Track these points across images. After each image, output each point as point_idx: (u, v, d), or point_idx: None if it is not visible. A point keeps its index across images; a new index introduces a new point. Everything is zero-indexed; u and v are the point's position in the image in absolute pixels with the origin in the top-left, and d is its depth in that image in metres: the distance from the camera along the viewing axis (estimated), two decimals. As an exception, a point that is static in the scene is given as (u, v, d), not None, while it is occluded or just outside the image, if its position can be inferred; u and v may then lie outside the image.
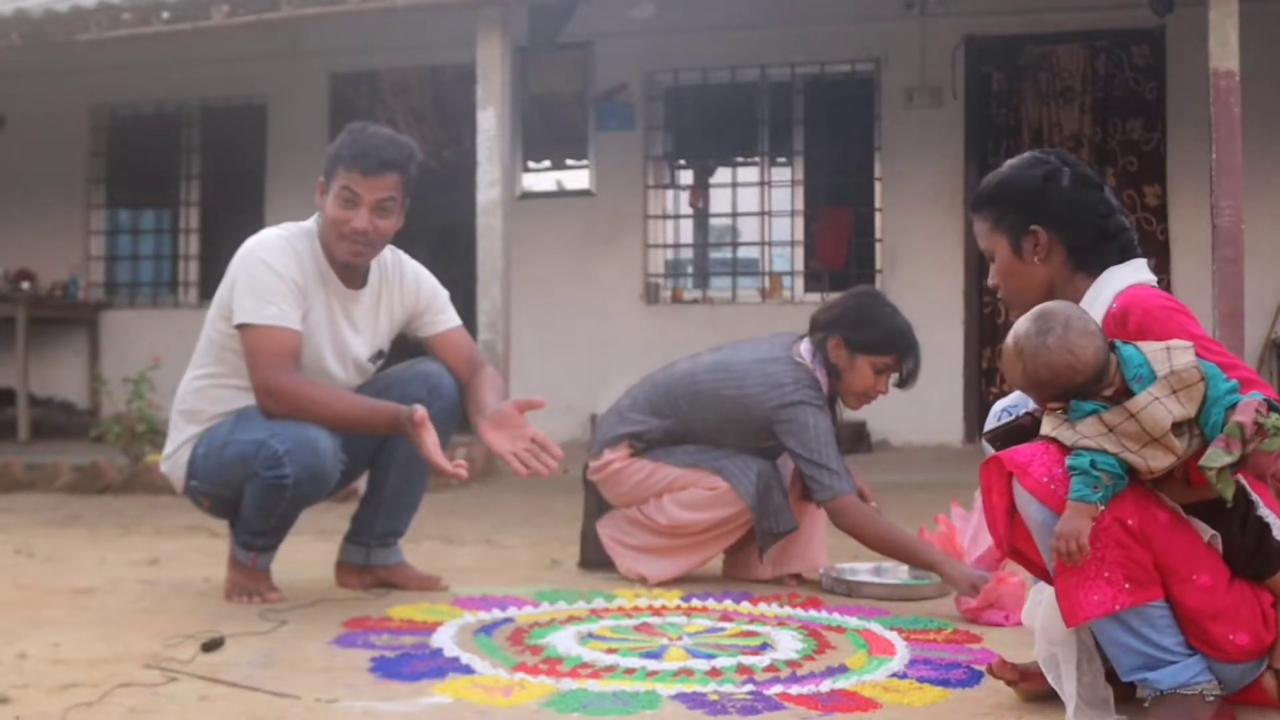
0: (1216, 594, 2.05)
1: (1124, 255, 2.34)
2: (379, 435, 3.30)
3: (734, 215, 9.13)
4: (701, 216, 9.16)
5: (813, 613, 3.19)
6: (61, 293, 9.48)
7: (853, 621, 3.08)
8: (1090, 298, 2.29)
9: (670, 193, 9.03)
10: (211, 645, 2.71)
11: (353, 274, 3.29)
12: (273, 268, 3.14)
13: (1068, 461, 2.03)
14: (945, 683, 2.46)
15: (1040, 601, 2.22)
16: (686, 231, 9.13)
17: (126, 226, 10.30)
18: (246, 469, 3.11)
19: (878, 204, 8.54)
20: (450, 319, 3.46)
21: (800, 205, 8.75)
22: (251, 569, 3.26)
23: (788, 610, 3.22)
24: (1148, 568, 2.03)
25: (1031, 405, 2.24)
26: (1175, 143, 7.87)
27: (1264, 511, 2.10)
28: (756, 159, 8.94)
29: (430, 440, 3.04)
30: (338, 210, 3.18)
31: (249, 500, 3.17)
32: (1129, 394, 2.03)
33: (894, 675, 2.55)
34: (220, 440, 3.19)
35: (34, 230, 9.62)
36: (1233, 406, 1.99)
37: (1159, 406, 2.00)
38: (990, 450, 2.22)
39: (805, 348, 3.65)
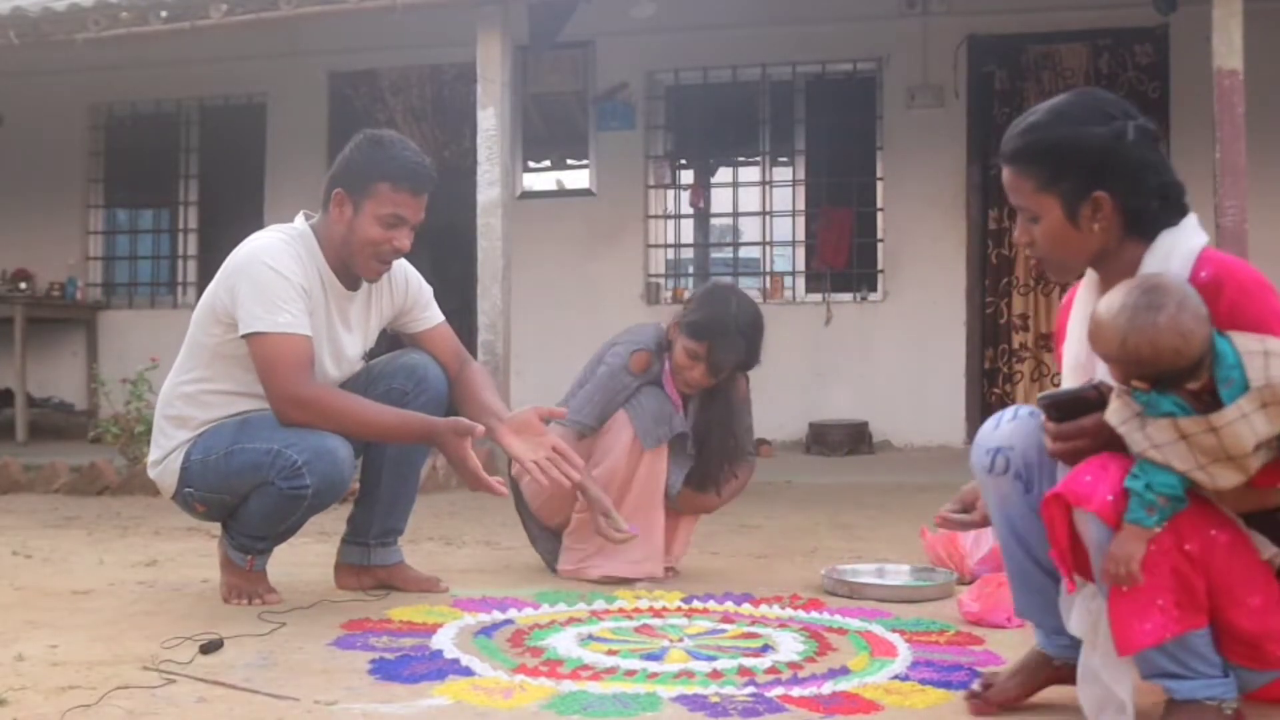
0: (1269, 613, 2.00)
1: (1177, 216, 2.12)
2: (407, 445, 3.29)
3: (735, 215, 9.13)
4: (702, 216, 9.15)
5: (814, 614, 3.17)
6: (59, 293, 9.48)
7: (854, 623, 3.06)
8: (1152, 266, 2.08)
9: (671, 192, 9.02)
10: (210, 647, 2.69)
11: (351, 276, 3.26)
12: (281, 273, 3.07)
13: (1126, 482, 1.93)
14: (947, 685, 2.44)
15: (1097, 612, 2.07)
16: (687, 231, 9.12)
17: (125, 226, 10.29)
18: (259, 477, 3.06)
19: (879, 204, 8.54)
20: (435, 315, 3.45)
21: (802, 205, 8.74)
22: (249, 571, 3.22)
23: (789, 612, 3.21)
24: (1200, 595, 1.97)
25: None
26: (1179, 142, 7.84)
27: None
28: (758, 158, 8.93)
29: (473, 457, 3.04)
30: (378, 230, 3.12)
31: (258, 507, 3.12)
32: (1214, 394, 1.91)
33: (896, 677, 2.53)
34: (222, 447, 3.12)
35: (32, 230, 9.62)
36: None
37: (1245, 425, 1.87)
38: (1042, 416, 2.09)
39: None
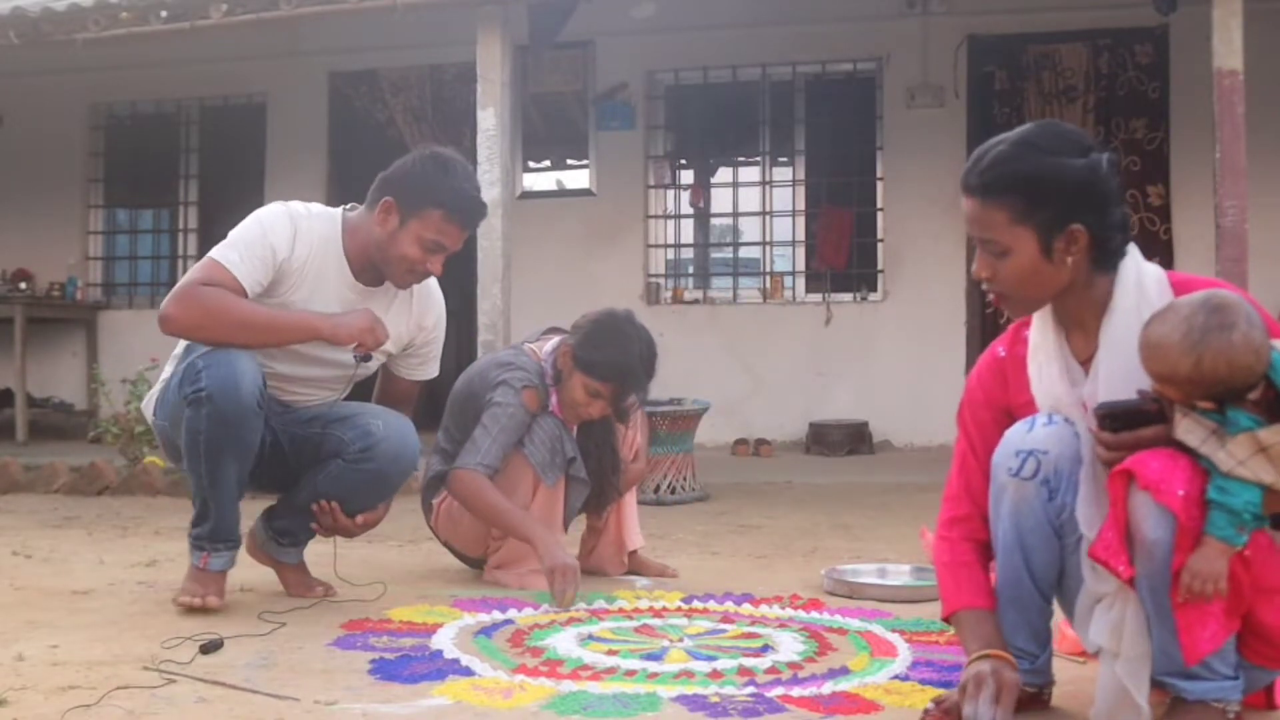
0: None
1: (1129, 242, 2.15)
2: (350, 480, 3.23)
3: (735, 215, 9.13)
4: (702, 216, 9.15)
5: (814, 614, 3.17)
6: (59, 293, 9.47)
7: (854, 623, 3.06)
8: (1124, 296, 2.10)
9: (671, 192, 9.02)
10: (210, 647, 2.69)
11: (370, 272, 3.22)
12: (263, 227, 3.10)
13: (1215, 497, 1.91)
14: (947, 685, 2.44)
15: (1118, 620, 2.05)
16: (687, 231, 9.12)
17: (125, 226, 10.29)
18: (179, 392, 3.02)
19: (879, 204, 8.54)
20: (433, 370, 3.45)
21: (801, 205, 8.74)
22: (203, 570, 3.10)
23: (789, 612, 3.21)
24: (1244, 598, 1.96)
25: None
26: (1179, 142, 7.86)
27: None
28: (758, 158, 8.93)
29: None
30: (417, 251, 3.13)
31: (182, 443, 3.03)
32: (1274, 406, 1.91)
33: (896, 677, 2.53)
34: (173, 374, 3.16)
35: (32, 230, 9.62)
36: None
37: None
38: (1095, 427, 2.06)
39: (551, 345, 3.65)
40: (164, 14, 6.57)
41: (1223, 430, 1.92)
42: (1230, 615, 1.96)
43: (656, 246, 8.91)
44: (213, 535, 3.10)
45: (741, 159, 9.13)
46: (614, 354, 3.48)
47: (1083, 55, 8.09)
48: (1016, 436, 2.19)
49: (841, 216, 8.65)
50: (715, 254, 9.30)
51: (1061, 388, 2.18)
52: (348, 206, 3.27)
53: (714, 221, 9.24)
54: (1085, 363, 2.18)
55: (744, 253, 9.28)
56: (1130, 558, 1.98)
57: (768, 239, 8.80)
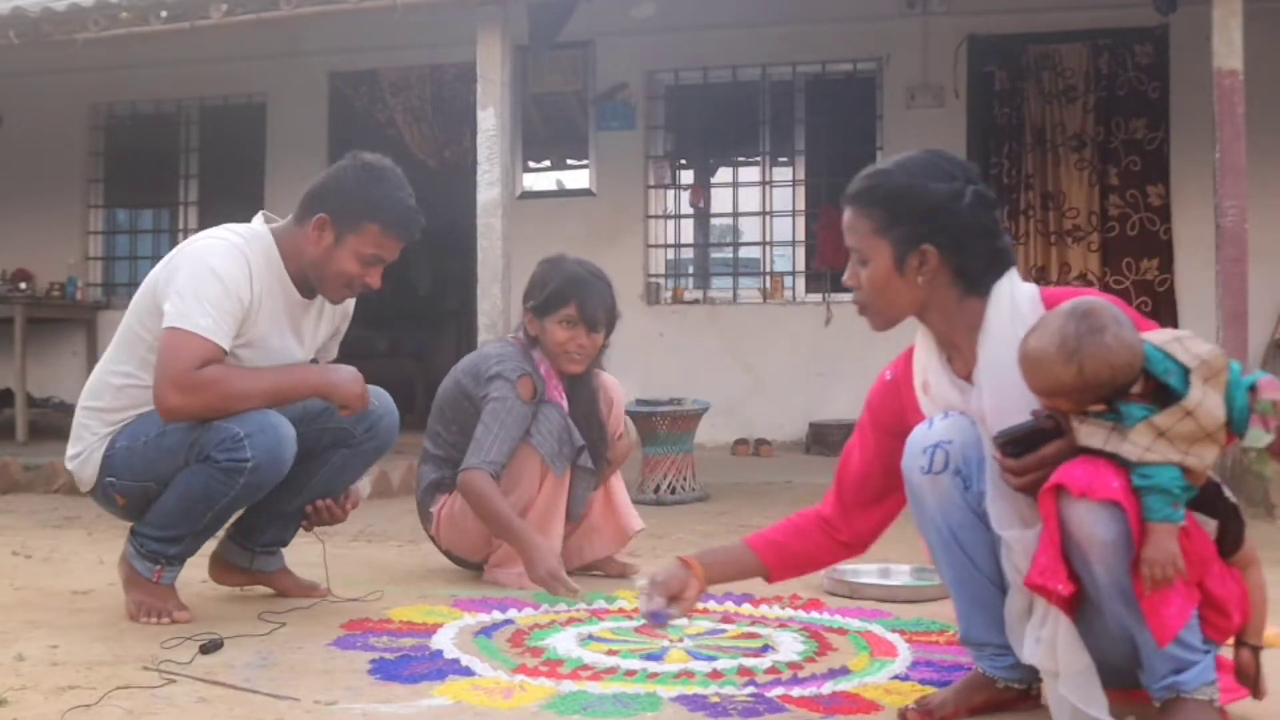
0: (1226, 580, 2.06)
1: (1004, 269, 2.22)
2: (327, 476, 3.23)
3: (735, 215, 9.12)
4: (702, 216, 9.14)
5: (814, 614, 3.17)
6: (59, 293, 9.47)
7: (854, 623, 3.06)
8: (998, 316, 2.17)
9: (671, 192, 9.02)
10: (210, 647, 2.69)
11: (308, 286, 3.15)
12: (221, 278, 2.94)
13: (1141, 483, 1.94)
14: (947, 685, 2.44)
15: (1050, 639, 2.08)
16: (687, 231, 9.12)
17: (125, 226, 10.28)
18: (192, 453, 2.93)
19: (879, 204, 8.52)
20: (336, 350, 3.40)
21: (802, 205, 8.73)
22: (156, 584, 3.04)
23: (789, 612, 3.21)
24: (1194, 567, 1.99)
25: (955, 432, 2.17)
26: (1179, 142, 7.85)
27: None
28: (758, 158, 8.92)
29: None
30: (354, 266, 3.07)
31: (184, 492, 2.96)
32: (1160, 391, 1.97)
33: (896, 677, 2.54)
34: (153, 431, 2.99)
35: (31, 230, 9.61)
36: (1251, 386, 1.96)
37: (1210, 400, 1.94)
38: (998, 455, 2.11)
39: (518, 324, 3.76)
40: (164, 14, 6.57)
41: (1120, 426, 1.97)
42: (1188, 586, 1.98)
43: (656, 246, 8.91)
44: (180, 556, 3.08)
45: (741, 159, 9.12)
46: (558, 279, 3.63)
47: (1083, 55, 8.09)
48: (919, 436, 2.25)
49: (842, 216, 8.63)
50: (715, 254, 9.29)
51: (952, 396, 2.24)
52: (266, 218, 3.17)
53: (714, 221, 9.24)
54: (966, 380, 2.24)
55: (744, 253, 9.28)
56: (1069, 572, 2.01)
57: (768, 239, 8.79)
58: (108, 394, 3.10)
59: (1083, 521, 1.97)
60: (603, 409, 3.79)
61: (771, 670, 2.58)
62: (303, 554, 3.84)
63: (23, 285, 9.24)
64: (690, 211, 9.05)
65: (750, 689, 2.43)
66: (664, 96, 8.94)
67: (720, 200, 9.10)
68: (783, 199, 8.81)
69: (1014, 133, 8.21)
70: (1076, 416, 2.02)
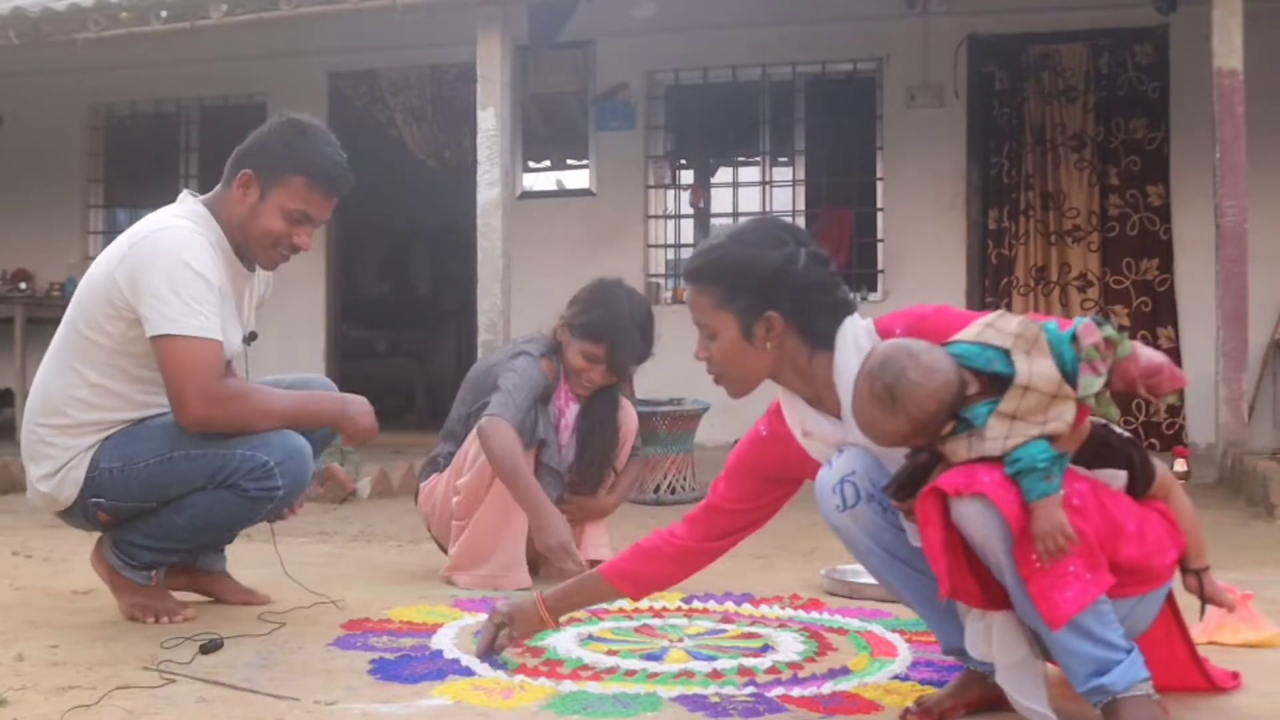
0: (1145, 531, 2.08)
1: (845, 317, 2.27)
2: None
3: (735, 215, 9.11)
4: (703, 216, 9.14)
5: (814, 614, 3.17)
6: (59, 293, 9.45)
7: (854, 623, 3.06)
8: (846, 361, 2.21)
9: (671, 192, 9.02)
10: (210, 647, 2.69)
11: (248, 258, 3.06)
12: (200, 274, 2.84)
13: (1009, 472, 1.98)
14: (947, 684, 2.44)
15: (985, 629, 2.13)
16: (687, 231, 9.11)
17: (125, 226, 10.21)
18: (217, 479, 2.86)
19: (879, 204, 8.53)
20: (253, 321, 3.24)
21: (802, 205, 8.74)
22: (155, 587, 3.03)
23: (789, 612, 3.21)
24: (1095, 548, 2.00)
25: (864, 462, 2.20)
26: (1179, 142, 7.85)
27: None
28: (758, 158, 8.93)
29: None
30: (281, 224, 2.95)
31: (199, 516, 2.91)
32: (995, 381, 2.01)
33: (896, 677, 2.54)
34: (154, 453, 2.88)
35: (31, 230, 9.61)
36: (1072, 338, 1.99)
37: (1039, 365, 1.98)
38: (893, 503, 2.16)
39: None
40: (164, 14, 6.58)
41: (975, 429, 2.01)
42: (1093, 570, 1.99)
43: (656, 246, 8.91)
44: (173, 562, 3.10)
45: (741, 159, 9.13)
46: (602, 314, 3.58)
47: (1083, 55, 8.09)
48: (825, 479, 2.26)
49: (841, 216, 8.64)
50: (715, 254, 9.28)
51: (834, 433, 2.28)
52: (191, 194, 3.09)
53: (714, 221, 9.23)
54: (838, 417, 2.28)
55: (744, 253, 9.27)
56: (949, 571, 2.04)
57: (768, 239, 8.79)
58: (73, 408, 2.93)
59: (961, 520, 2.02)
60: (614, 427, 3.75)
61: (771, 670, 2.58)
62: (303, 554, 3.84)
63: (23, 285, 9.25)
64: (690, 211, 9.05)
65: (750, 689, 2.42)
66: (664, 96, 8.94)
67: (720, 200, 9.10)
68: (783, 199, 8.82)
69: (1014, 133, 8.21)
70: (938, 443, 2.06)
